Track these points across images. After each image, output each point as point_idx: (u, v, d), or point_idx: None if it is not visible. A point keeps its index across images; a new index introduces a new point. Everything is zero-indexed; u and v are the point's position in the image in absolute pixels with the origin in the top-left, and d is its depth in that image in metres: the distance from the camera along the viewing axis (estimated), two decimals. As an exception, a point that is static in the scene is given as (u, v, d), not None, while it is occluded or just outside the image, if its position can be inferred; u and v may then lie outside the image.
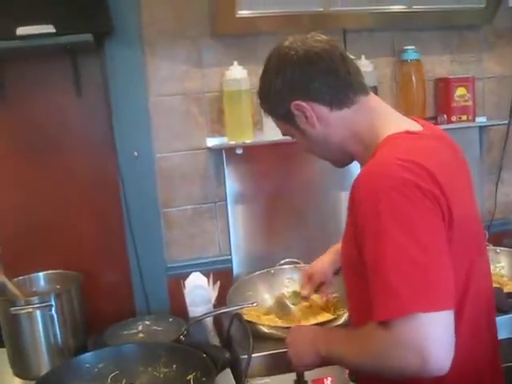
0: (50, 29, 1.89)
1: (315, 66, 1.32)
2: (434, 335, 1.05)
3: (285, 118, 1.41)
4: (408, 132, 1.29)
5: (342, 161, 1.47)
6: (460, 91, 2.47)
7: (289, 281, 2.28)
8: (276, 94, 1.37)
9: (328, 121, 1.35)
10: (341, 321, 1.93)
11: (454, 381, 1.16)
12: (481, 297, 1.31)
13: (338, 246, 1.89)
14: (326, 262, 1.90)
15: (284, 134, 1.49)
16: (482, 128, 2.61)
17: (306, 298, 1.97)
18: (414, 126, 1.36)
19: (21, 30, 1.88)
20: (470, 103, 2.49)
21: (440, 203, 1.14)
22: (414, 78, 2.43)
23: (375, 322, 1.12)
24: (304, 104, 1.33)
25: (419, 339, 1.05)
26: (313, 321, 1.94)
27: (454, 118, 2.48)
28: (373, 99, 1.39)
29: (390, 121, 1.34)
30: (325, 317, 1.97)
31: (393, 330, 1.08)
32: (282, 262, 2.32)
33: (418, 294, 1.07)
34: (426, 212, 1.13)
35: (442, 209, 1.14)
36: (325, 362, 1.39)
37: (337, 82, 1.33)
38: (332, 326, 1.87)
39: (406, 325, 1.06)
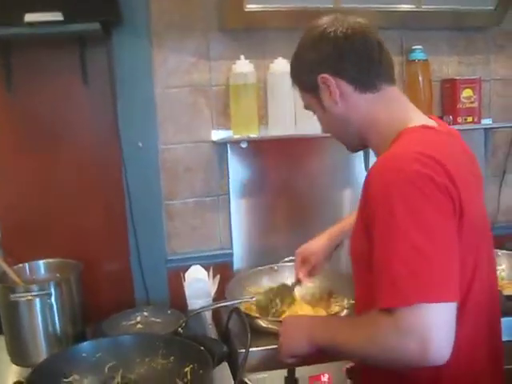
0: (58, 16, 1.88)
1: (351, 45, 1.34)
2: (437, 325, 1.07)
3: (309, 89, 1.42)
4: (424, 126, 1.32)
5: (356, 145, 1.49)
6: (466, 92, 2.46)
7: (291, 279, 2.25)
8: (307, 64, 1.40)
9: (350, 100, 1.37)
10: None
11: (454, 375, 1.17)
12: (484, 295, 1.31)
13: (334, 229, 1.89)
14: (320, 245, 1.89)
15: (305, 107, 1.51)
16: (487, 130, 2.61)
17: (300, 282, 1.95)
18: (429, 121, 1.38)
19: (28, 17, 1.87)
20: (475, 105, 2.48)
21: (452, 196, 1.16)
22: (420, 78, 2.43)
23: (379, 308, 1.14)
24: (330, 78, 1.35)
25: (422, 329, 1.07)
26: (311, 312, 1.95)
27: (459, 119, 2.47)
28: (396, 91, 1.42)
29: (409, 114, 1.37)
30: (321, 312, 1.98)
31: (396, 317, 1.10)
32: (287, 259, 2.28)
33: (424, 285, 1.09)
34: (439, 206, 1.14)
35: (453, 201, 1.16)
36: (317, 351, 1.37)
37: (367, 66, 1.35)
38: (329, 315, 1.87)
39: (409, 314, 1.08)
